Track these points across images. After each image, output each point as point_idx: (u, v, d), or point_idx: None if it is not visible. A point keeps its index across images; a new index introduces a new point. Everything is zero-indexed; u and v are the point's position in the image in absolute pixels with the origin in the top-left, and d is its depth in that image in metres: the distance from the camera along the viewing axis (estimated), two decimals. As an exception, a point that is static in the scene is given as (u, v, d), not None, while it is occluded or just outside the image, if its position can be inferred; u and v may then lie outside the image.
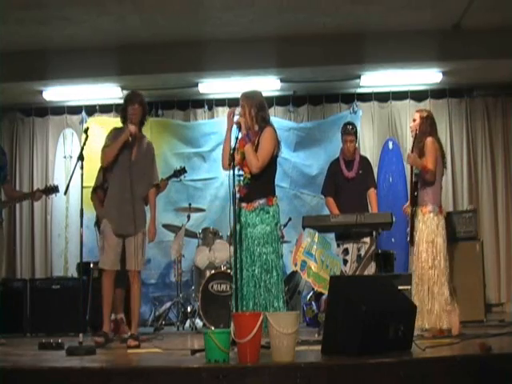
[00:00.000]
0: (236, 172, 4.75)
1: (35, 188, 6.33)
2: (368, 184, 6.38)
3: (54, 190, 5.91)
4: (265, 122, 4.95)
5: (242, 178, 4.95)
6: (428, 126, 5.27)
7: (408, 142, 8.14)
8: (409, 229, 5.30)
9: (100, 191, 6.04)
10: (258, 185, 4.90)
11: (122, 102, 8.07)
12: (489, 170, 8.14)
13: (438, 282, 5.04)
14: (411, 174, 5.26)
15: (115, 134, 5.19)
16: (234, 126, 4.87)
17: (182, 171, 6.89)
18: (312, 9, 6.65)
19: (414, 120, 5.33)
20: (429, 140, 5.17)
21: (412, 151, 5.30)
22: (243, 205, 4.93)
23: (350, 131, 6.32)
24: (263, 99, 5.02)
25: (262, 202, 4.88)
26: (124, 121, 5.25)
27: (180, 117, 8.43)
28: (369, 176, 6.46)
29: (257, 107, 4.90)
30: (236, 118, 4.93)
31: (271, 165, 4.95)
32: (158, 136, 8.08)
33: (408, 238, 5.32)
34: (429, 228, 5.11)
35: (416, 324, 4.92)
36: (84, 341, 4.60)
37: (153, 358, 4.15)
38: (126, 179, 5.10)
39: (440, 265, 5.06)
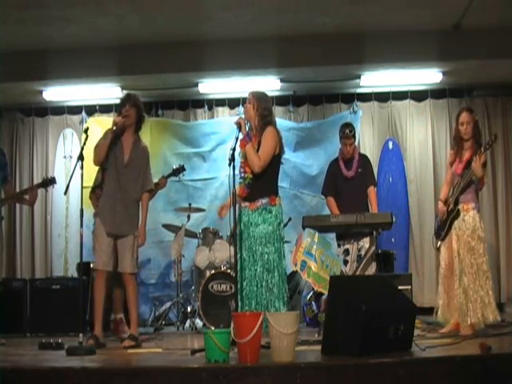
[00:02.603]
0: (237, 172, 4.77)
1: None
2: (367, 182, 6.38)
3: (52, 181, 5.89)
4: (268, 123, 4.98)
5: (241, 180, 4.97)
6: (480, 131, 5.36)
7: (408, 142, 8.16)
8: (443, 224, 5.32)
9: (99, 191, 6.03)
10: (261, 184, 4.92)
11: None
12: (489, 170, 8.10)
13: (489, 276, 5.12)
14: (468, 178, 5.18)
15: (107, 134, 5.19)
16: (235, 127, 4.89)
17: (181, 169, 6.92)
18: (312, 9, 6.65)
19: (468, 122, 5.28)
20: (484, 155, 5.16)
21: (458, 154, 5.33)
22: (246, 204, 4.95)
23: (348, 135, 6.31)
24: (271, 104, 5.13)
25: (264, 201, 4.91)
26: None
27: (180, 117, 8.43)
28: (368, 174, 6.45)
29: (264, 108, 4.96)
30: (236, 119, 4.96)
31: (273, 164, 4.98)
32: (158, 136, 8.09)
33: (442, 234, 5.33)
34: (474, 225, 5.16)
35: (466, 318, 4.99)
36: (84, 341, 4.61)
37: (153, 358, 4.15)
38: (119, 180, 5.10)
39: (487, 260, 5.14)
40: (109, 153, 5.10)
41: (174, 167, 6.94)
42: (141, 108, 5.27)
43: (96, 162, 5.20)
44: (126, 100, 5.26)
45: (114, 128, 5.08)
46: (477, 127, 5.33)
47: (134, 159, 5.17)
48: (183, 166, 6.96)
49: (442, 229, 5.32)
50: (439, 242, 5.40)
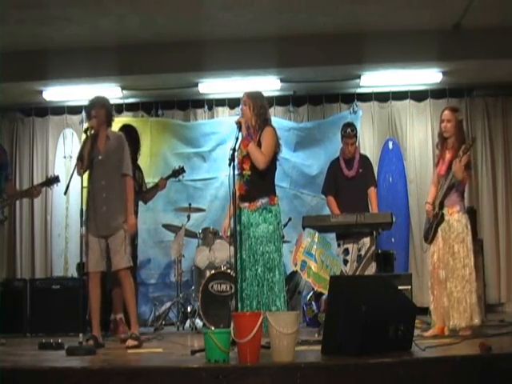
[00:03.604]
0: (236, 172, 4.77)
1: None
2: (368, 183, 6.38)
3: (55, 180, 5.89)
4: (266, 121, 4.99)
5: (238, 178, 4.96)
6: (462, 129, 5.33)
7: (408, 142, 8.16)
8: (430, 227, 5.31)
9: None
10: (260, 184, 4.92)
11: (122, 101, 8.25)
12: (489, 169, 8.14)
13: (471, 280, 5.08)
14: (450, 179, 5.16)
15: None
16: (235, 126, 4.89)
17: (181, 171, 6.93)
18: (312, 9, 6.65)
19: (449, 120, 5.26)
20: (468, 155, 5.15)
21: (442, 152, 5.30)
22: (245, 205, 4.95)
23: (350, 134, 6.31)
24: (266, 102, 5.09)
25: (264, 201, 4.91)
26: None
27: (180, 117, 8.43)
28: (369, 175, 6.46)
29: (260, 107, 4.96)
30: (236, 118, 4.97)
31: (273, 163, 4.98)
32: (157, 136, 8.10)
33: (429, 237, 5.31)
34: (459, 228, 5.14)
35: (449, 323, 5.00)
36: (84, 341, 4.61)
37: (153, 357, 4.15)
38: (99, 179, 5.09)
39: (471, 262, 5.11)
40: (89, 159, 5.09)
41: (174, 168, 6.95)
42: (108, 106, 5.31)
43: (78, 174, 5.16)
44: (94, 102, 5.27)
45: (92, 132, 5.09)
46: (459, 127, 5.28)
47: (108, 153, 5.16)
48: (183, 167, 6.96)
49: (429, 233, 5.31)
50: (428, 246, 5.38)
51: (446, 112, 5.32)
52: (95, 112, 5.18)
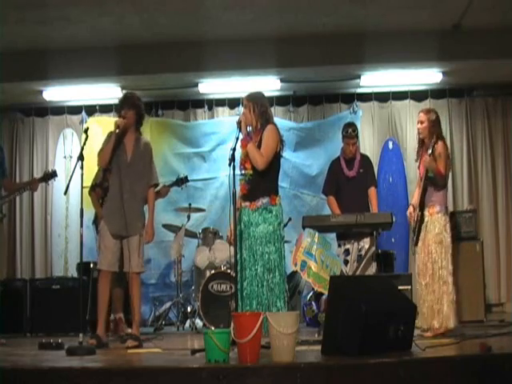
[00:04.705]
0: (237, 172, 4.76)
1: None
2: (368, 183, 6.38)
3: (53, 175, 5.88)
4: (267, 120, 4.98)
5: (241, 177, 4.96)
6: (437, 128, 5.32)
7: (408, 142, 8.16)
8: (414, 229, 5.31)
9: (98, 189, 6.04)
10: (262, 183, 4.91)
11: (121, 102, 8.23)
12: (489, 170, 8.14)
13: (447, 282, 5.09)
14: (424, 177, 5.21)
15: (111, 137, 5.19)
16: (235, 126, 4.89)
17: (185, 180, 6.93)
18: (312, 9, 6.65)
19: (422, 122, 5.30)
20: (440, 144, 5.21)
21: (421, 154, 5.31)
22: (246, 204, 4.94)
23: (351, 134, 6.31)
24: (266, 101, 5.09)
25: (265, 201, 4.90)
26: None
27: (180, 117, 8.43)
28: (369, 175, 6.46)
29: (261, 106, 4.96)
30: (237, 118, 4.97)
31: (274, 163, 4.97)
32: (158, 136, 8.09)
33: (414, 240, 5.32)
34: (437, 229, 5.15)
35: (425, 323, 5.00)
36: (84, 341, 4.61)
37: (153, 357, 4.15)
38: (123, 180, 5.09)
39: (448, 264, 5.11)
40: (113, 155, 5.09)
41: (178, 177, 6.94)
42: (139, 107, 5.24)
43: (101, 165, 5.24)
44: (123, 102, 5.24)
45: (117, 131, 5.08)
46: (432, 127, 5.27)
47: (136, 157, 5.16)
48: (186, 176, 6.97)
49: (414, 235, 5.32)
50: (416, 249, 5.39)
51: (420, 114, 5.40)
52: (124, 112, 5.14)
